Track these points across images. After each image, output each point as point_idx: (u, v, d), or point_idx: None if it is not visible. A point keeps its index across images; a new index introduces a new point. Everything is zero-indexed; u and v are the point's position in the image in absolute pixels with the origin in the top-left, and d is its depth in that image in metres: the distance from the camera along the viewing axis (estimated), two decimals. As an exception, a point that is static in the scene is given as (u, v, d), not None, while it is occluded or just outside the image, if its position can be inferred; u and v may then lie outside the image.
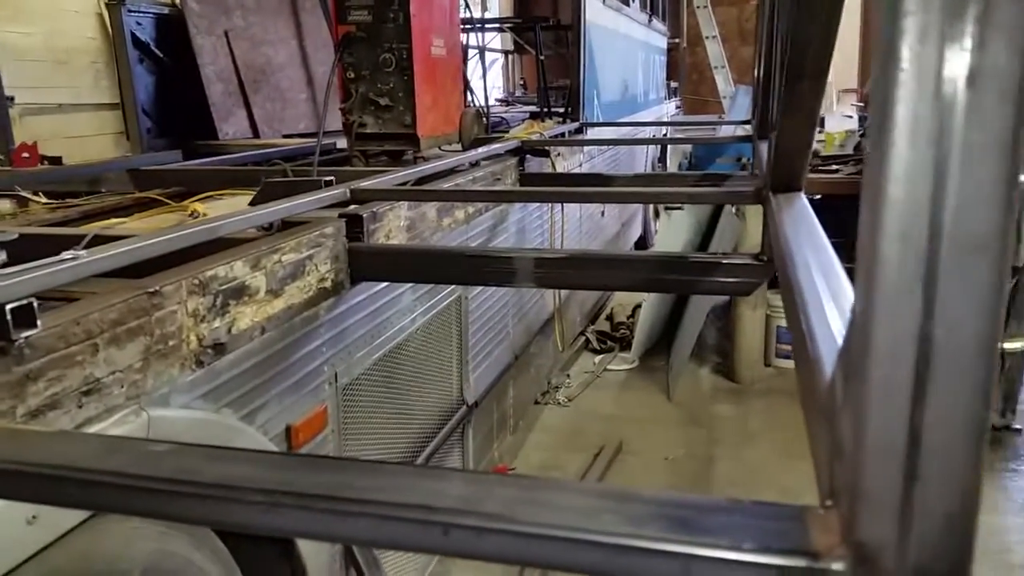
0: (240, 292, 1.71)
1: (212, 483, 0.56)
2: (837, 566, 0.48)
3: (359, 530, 0.54)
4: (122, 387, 1.38)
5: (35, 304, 1.20)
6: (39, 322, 1.20)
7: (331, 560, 2.14)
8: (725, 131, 6.60)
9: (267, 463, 0.59)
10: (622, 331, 6.34)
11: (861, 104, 7.24)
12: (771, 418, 4.93)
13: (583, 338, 6.19)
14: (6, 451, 0.62)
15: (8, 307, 1.14)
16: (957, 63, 0.41)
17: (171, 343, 1.50)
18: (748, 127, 5.45)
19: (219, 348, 1.64)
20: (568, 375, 5.62)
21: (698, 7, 10.18)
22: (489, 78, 6.60)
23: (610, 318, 6.64)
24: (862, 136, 5.79)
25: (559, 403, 5.18)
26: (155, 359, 1.45)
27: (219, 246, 1.81)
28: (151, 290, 1.45)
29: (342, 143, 4.38)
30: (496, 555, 0.53)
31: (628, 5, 7.42)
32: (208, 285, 1.60)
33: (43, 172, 4.11)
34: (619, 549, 0.51)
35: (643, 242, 8.48)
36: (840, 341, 0.74)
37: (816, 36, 1.22)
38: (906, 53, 0.42)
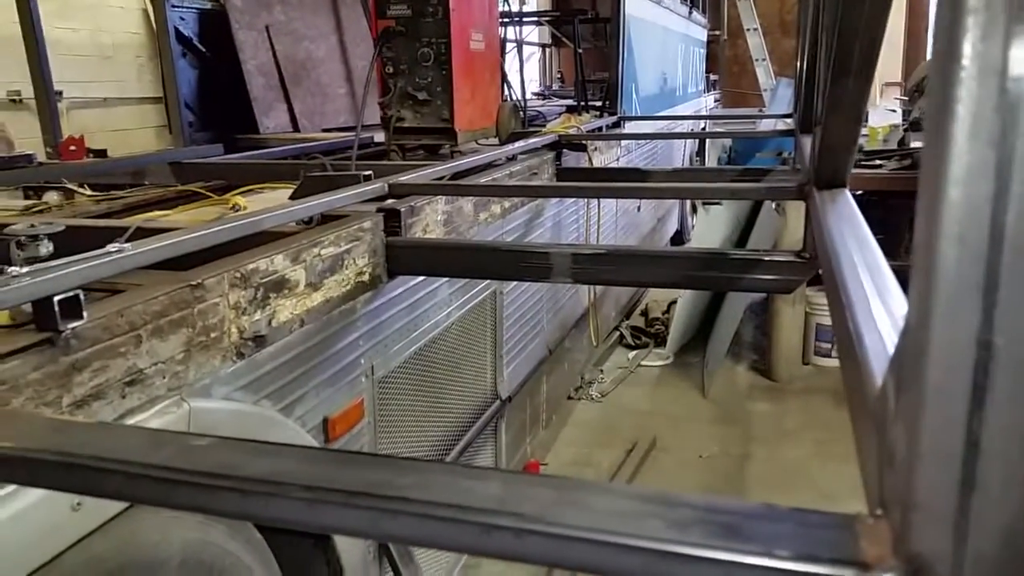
0: (280, 285, 1.73)
1: (255, 478, 0.56)
2: (887, 578, 0.47)
3: (401, 528, 0.54)
4: (164, 378, 1.40)
5: (81, 296, 1.22)
6: (85, 313, 1.22)
7: (366, 553, 2.16)
8: (766, 124, 6.52)
9: (308, 458, 0.59)
10: (657, 327, 6.29)
11: (905, 98, 7.09)
12: (809, 417, 4.86)
13: (617, 333, 6.16)
14: (53, 442, 0.64)
15: (56, 298, 1.17)
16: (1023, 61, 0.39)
17: (213, 335, 1.52)
18: (789, 120, 5.37)
19: (259, 340, 1.66)
20: (602, 370, 5.60)
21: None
22: (526, 71, 6.58)
23: (645, 313, 6.60)
24: (906, 131, 5.67)
25: (592, 398, 5.17)
26: (197, 351, 1.48)
27: (260, 239, 1.83)
28: (194, 283, 1.47)
29: (380, 137, 4.40)
30: (536, 557, 0.53)
31: (667, -2, 7.35)
32: (249, 278, 1.62)
33: (89, 165, 4.20)
34: (661, 555, 0.50)
35: (679, 237, 8.41)
36: (889, 343, 0.72)
37: (864, 31, 1.19)
38: (968, 51, 0.40)
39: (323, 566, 2.06)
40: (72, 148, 4.39)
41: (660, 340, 6.05)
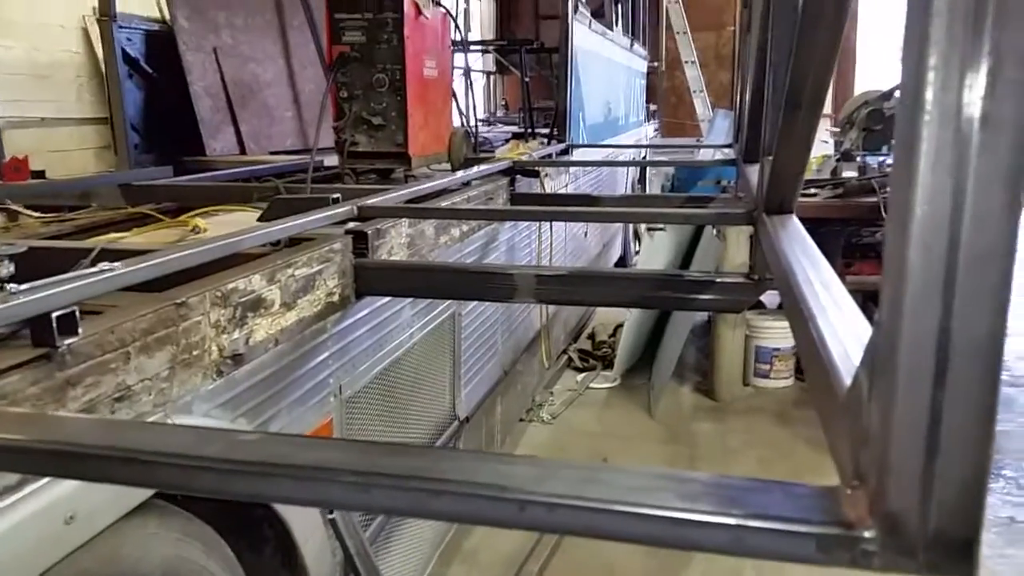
0: (257, 304, 1.77)
1: (309, 466, 0.62)
2: (868, 534, 0.56)
3: (444, 507, 0.61)
4: (150, 395, 1.43)
5: (77, 312, 1.25)
6: (80, 330, 1.25)
7: (334, 569, 2.19)
8: (704, 154, 6.77)
9: (354, 449, 0.65)
10: (604, 349, 6.43)
11: (837, 130, 7.45)
12: (750, 436, 5.04)
13: (566, 356, 6.27)
14: (105, 439, 0.68)
15: (54, 315, 1.20)
16: (973, 107, 0.49)
17: (195, 353, 1.55)
18: (728, 150, 5.60)
19: (238, 359, 1.69)
20: (551, 393, 5.69)
21: (678, 33, 10.41)
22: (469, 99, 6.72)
23: (592, 336, 6.74)
24: (838, 161, 5.96)
25: (543, 420, 5.24)
26: (180, 368, 1.51)
27: (229, 261, 1.87)
28: (179, 301, 1.50)
29: (330, 160, 4.44)
30: (566, 528, 0.60)
31: (612, 30, 7.59)
32: (229, 297, 1.66)
33: (34, 186, 4.13)
34: (678, 522, 0.59)
35: (623, 262, 8.61)
36: (851, 347, 0.82)
37: (815, 67, 1.31)
38: (930, 97, 0.50)
39: (291, 583, 2.08)
40: (16, 169, 4.31)
41: (607, 362, 6.18)
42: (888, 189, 0.70)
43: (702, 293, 2.14)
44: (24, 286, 1.22)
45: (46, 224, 3.34)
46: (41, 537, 1.21)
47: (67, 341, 1.22)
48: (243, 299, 1.71)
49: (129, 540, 1.47)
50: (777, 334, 5.68)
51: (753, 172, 2.69)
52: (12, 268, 1.78)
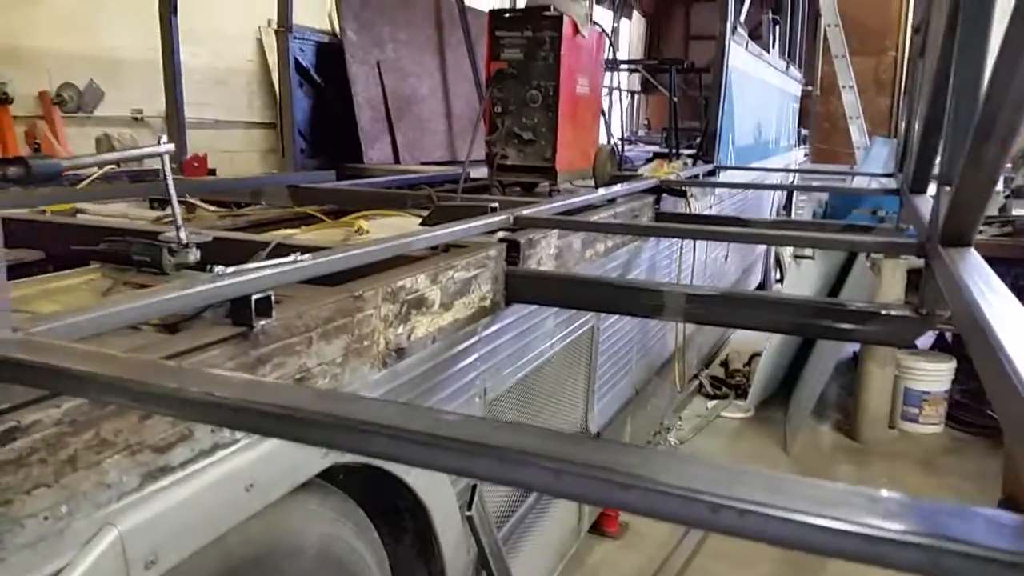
0: (420, 303, 1.86)
1: (507, 447, 0.67)
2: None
3: (634, 500, 0.63)
4: (326, 378, 1.54)
5: (272, 297, 1.37)
6: (274, 313, 1.37)
7: (466, 566, 2.26)
8: (859, 182, 6.48)
9: (546, 436, 0.69)
10: (737, 378, 6.26)
11: (1008, 165, 6.93)
12: (895, 483, 4.75)
13: (696, 382, 6.15)
14: (321, 407, 0.76)
15: (254, 297, 1.32)
16: None
17: (366, 343, 1.65)
18: (886, 180, 5.34)
19: (400, 352, 1.79)
20: (680, 417, 5.59)
21: (836, 57, 10.02)
22: (614, 117, 6.75)
23: (725, 364, 6.58)
24: (1007, 198, 5.57)
25: (671, 444, 5.16)
26: (352, 356, 1.61)
27: (392, 263, 1.97)
28: (356, 294, 1.61)
29: (476, 172, 4.57)
30: (757, 535, 0.61)
31: (768, 52, 7.41)
32: (397, 294, 1.76)
33: (211, 182, 4.48)
34: (870, 539, 0.59)
35: (761, 289, 8.36)
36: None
37: (1012, 96, 1.26)
38: None
39: (425, 573, 2.16)
40: (195, 165, 4.72)
41: (740, 392, 6.01)
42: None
43: (864, 324, 2.06)
44: (230, 269, 1.35)
45: (221, 218, 3.61)
46: (225, 501, 1.32)
47: (262, 322, 1.34)
48: (409, 296, 1.81)
49: (294, 514, 1.58)
50: (929, 376, 5.35)
51: (921, 202, 2.57)
52: (199, 255, 1.96)
